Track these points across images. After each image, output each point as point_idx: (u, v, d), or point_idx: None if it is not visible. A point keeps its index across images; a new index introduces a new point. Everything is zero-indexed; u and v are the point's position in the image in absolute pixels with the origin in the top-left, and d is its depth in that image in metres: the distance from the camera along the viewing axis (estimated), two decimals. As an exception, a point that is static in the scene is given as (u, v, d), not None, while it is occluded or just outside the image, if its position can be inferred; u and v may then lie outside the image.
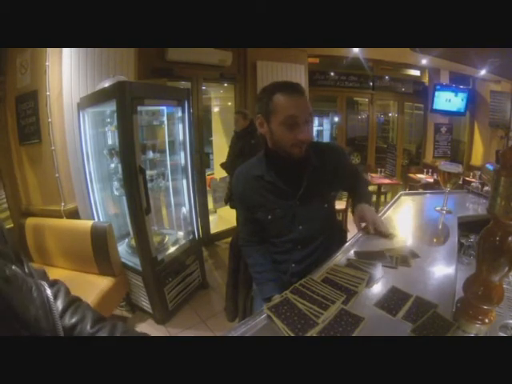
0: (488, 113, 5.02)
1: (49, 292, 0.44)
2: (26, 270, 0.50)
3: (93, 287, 1.85)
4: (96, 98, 1.96)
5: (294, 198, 1.02)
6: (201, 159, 3.23)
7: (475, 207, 1.46)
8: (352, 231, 1.21)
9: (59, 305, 0.50)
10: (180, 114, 2.18)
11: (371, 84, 4.93)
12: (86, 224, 1.97)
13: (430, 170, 4.52)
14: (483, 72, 4.63)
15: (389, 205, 1.44)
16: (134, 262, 2.09)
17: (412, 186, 4.33)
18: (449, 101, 5.04)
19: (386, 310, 0.69)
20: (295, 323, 0.67)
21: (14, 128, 2.23)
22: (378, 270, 0.87)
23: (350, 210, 2.90)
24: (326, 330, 0.65)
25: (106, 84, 1.89)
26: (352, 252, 1.00)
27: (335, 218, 1.23)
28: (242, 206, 1.13)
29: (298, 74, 3.73)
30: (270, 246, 1.12)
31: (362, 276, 0.84)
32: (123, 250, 2.25)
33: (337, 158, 1.09)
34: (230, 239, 1.41)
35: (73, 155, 2.16)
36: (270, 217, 1.05)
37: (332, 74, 4.73)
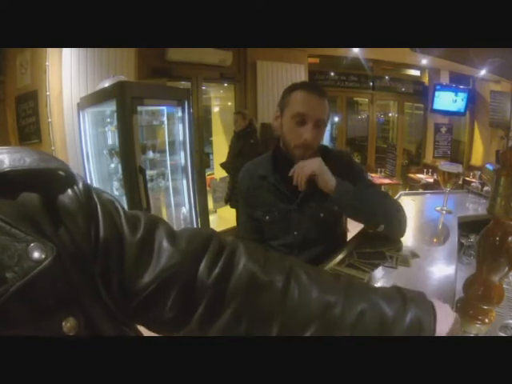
0: (488, 113, 5.01)
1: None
2: None
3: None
4: (96, 98, 1.96)
5: (293, 203, 1.01)
6: (201, 159, 3.23)
7: (475, 207, 1.45)
8: (352, 231, 1.21)
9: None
10: (180, 114, 2.19)
11: (371, 84, 4.93)
12: (85, 224, 1.97)
13: (430, 170, 4.52)
14: (483, 72, 4.63)
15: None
16: (134, 262, 2.09)
17: (412, 186, 4.33)
18: (449, 101, 5.04)
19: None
20: (295, 323, 0.66)
21: (14, 128, 2.23)
22: (378, 270, 0.88)
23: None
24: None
25: (106, 84, 1.90)
26: (352, 252, 1.00)
27: (336, 230, 1.14)
28: (245, 202, 1.13)
29: (297, 74, 3.73)
30: (268, 248, 1.12)
31: (361, 276, 0.84)
32: (123, 250, 2.25)
33: (348, 173, 0.99)
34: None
35: (73, 155, 2.16)
36: (267, 218, 1.05)
37: (332, 74, 4.73)
